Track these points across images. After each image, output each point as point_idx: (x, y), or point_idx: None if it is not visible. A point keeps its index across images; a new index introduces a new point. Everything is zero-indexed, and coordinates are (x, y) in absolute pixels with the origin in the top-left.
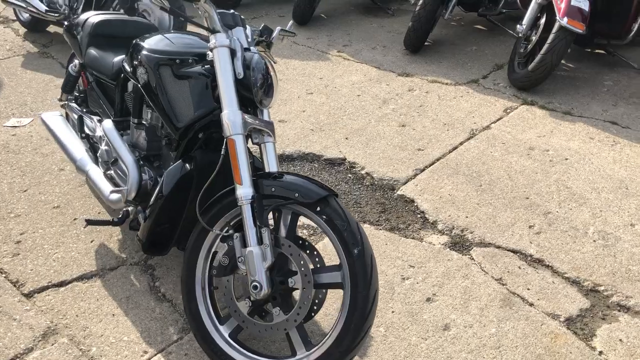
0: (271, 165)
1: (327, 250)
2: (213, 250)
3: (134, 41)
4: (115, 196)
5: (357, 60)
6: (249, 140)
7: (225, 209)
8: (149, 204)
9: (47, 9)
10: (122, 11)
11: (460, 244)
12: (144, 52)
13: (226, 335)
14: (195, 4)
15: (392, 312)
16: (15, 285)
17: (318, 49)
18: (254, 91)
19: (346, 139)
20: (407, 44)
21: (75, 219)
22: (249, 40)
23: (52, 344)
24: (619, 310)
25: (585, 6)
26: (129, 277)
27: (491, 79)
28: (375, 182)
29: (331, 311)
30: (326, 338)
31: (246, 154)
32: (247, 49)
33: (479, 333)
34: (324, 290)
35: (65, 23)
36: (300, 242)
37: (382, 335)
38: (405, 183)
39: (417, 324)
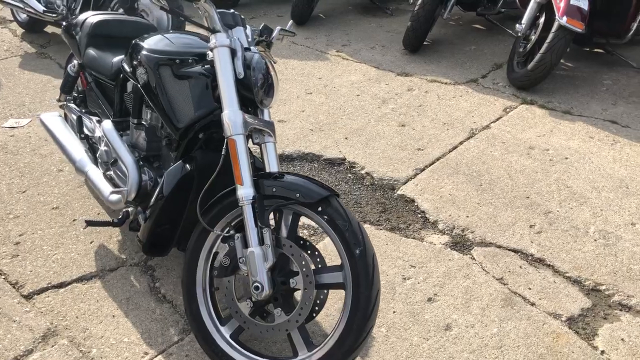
0: (272, 165)
1: (327, 250)
2: (214, 251)
3: (133, 41)
4: (115, 197)
5: (356, 60)
6: (249, 140)
7: (226, 210)
8: (149, 204)
9: (44, 9)
10: (120, 11)
11: (461, 243)
12: (144, 52)
13: (227, 336)
14: (196, 3)
15: (394, 312)
16: (14, 287)
17: (317, 49)
18: (255, 91)
19: (346, 138)
20: (406, 44)
21: (74, 220)
22: (249, 40)
23: (52, 346)
24: (621, 310)
25: (585, 5)
26: (129, 278)
27: (490, 79)
28: (376, 182)
29: (332, 311)
30: (328, 338)
31: (247, 154)
32: (247, 49)
33: (481, 333)
34: (325, 291)
35: (64, 23)
36: (301, 242)
37: (383, 335)
38: (405, 183)
39: (419, 324)
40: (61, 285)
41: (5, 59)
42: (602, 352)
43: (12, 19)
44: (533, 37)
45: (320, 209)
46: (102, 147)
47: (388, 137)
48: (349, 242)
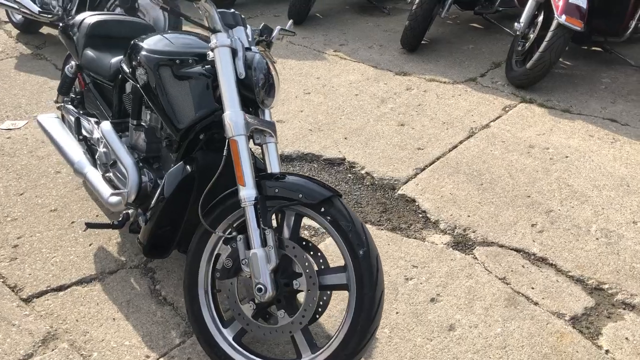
0: (273, 166)
1: (329, 251)
2: (216, 252)
3: (132, 42)
4: (114, 199)
5: (354, 59)
6: (251, 140)
7: (228, 211)
8: (150, 206)
9: (40, 10)
10: (117, 11)
11: (463, 243)
12: (144, 52)
13: (230, 338)
14: (196, 3)
15: (397, 313)
16: (13, 290)
17: (314, 49)
18: (256, 91)
19: (345, 138)
20: (404, 43)
21: (73, 222)
22: (250, 39)
23: (52, 350)
24: (624, 309)
25: (583, 3)
26: (129, 281)
27: (489, 77)
28: (376, 182)
29: (334, 313)
30: (332, 340)
31: (249, 155)
32: (248, 49)
33: (485, 333)
34: (328, 292)
35: (61, 24)
36: (304, 243)
37: (387, 336)
38: (405, 182)
39: (422, 325)
40: (60, 288)
41: (0, 60)
42: (607, 351)
43: (7, 20)
44: (531, 36)
45: (323, 209)
46: (101, 149)
47: (387, 136)
48: (353, 243)
